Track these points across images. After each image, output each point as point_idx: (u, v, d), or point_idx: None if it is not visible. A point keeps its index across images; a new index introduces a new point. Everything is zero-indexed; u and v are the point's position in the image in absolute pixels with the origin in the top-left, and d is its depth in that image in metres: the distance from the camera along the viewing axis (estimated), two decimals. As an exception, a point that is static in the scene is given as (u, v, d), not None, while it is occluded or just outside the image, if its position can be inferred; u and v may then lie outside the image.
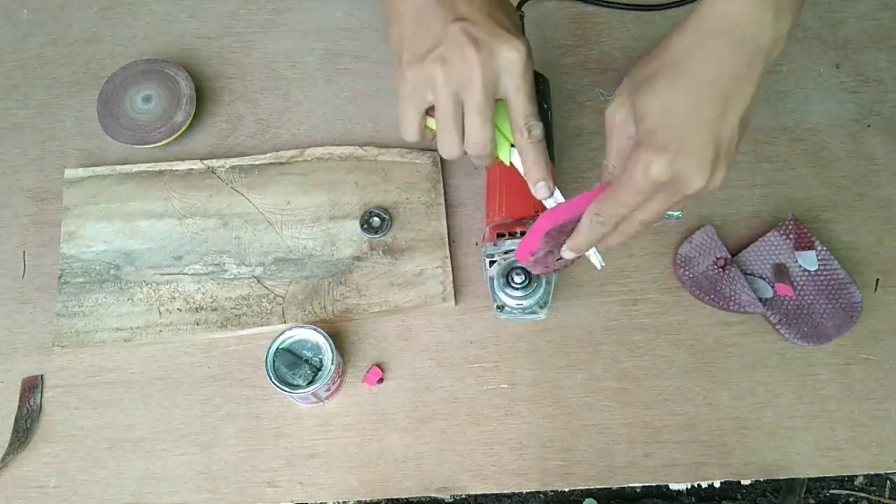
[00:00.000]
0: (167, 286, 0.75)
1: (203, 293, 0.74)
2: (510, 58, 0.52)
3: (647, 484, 0.69)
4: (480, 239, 0.76)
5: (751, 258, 0.74)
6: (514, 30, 0.53)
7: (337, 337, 0.73)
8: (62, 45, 0.86)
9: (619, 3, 0.86)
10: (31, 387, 0.72)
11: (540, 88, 0.78)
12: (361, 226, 0.76)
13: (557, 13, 0.86)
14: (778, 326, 0.71)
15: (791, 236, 0.74)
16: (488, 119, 0.53)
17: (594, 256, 0.59)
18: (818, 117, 0.81)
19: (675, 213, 0.55)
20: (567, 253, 0.57)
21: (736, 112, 0.49)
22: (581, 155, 0.79)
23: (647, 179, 0.49)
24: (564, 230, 0.56)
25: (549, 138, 0.76)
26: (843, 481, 1.37)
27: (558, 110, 0.81)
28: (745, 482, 1.32)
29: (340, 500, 0.70)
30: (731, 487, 1.35)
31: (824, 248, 0.73)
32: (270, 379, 0.66)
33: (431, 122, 0.56)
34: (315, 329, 0.68)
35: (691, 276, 0.73)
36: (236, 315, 0.73)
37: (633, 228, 0.54)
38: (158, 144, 0.80)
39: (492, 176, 0.74)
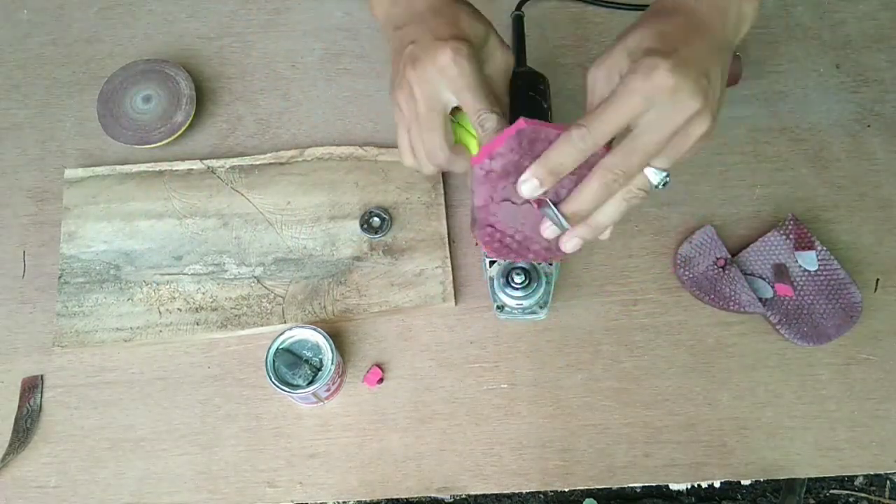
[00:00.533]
0: (167, 286, 0.75)
1: (203, 293, 0.74)
2: (441, 66, 0.54)
3: (647, 484, 0.69)
4: (480, 239, 0.76)
5: (751, 258, 0.74)
6: (451, 34, 0.55)
7: (337, 337, 0.73)
8: (62, 45, 0.86)
9: (619, 4, 0.86)
10: (31, 387, 0.72)
11: (540, 88, 0.78)
12: (361, 226, 0.76)
13: (557, 13, 0.86)
14: (778, 326, 0.71)
15: (791, 236, 0.74)
16: (432, 129, 0.56)
17: (551, 212, 0.53)
18: (818, 117, 0.81)
19: (662, 176, 0.51)
20: (526, 184, 0.51)
21: (718, 63, 0.50)
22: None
23: (649, 82, 0.47)
24: (535, 146, 0.52)
25: None
26: (843, 481, 1.37)
27: (558, 111, 0.81)
28: (745, 482, 1.32)
29: (340, 500, 0.70)
30: (731, 487, 1.35)
31: (824, 248, 0.73)
32: (270, 379, 0.66)
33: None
34: (315, 329, 0.68)
35: (691, 276, 0.73)
36: (236, 315, 0.73)
37: (632, 176, 0.50)
38: (158, 144, 0.80)
39: None
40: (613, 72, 0.51)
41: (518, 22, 0.83)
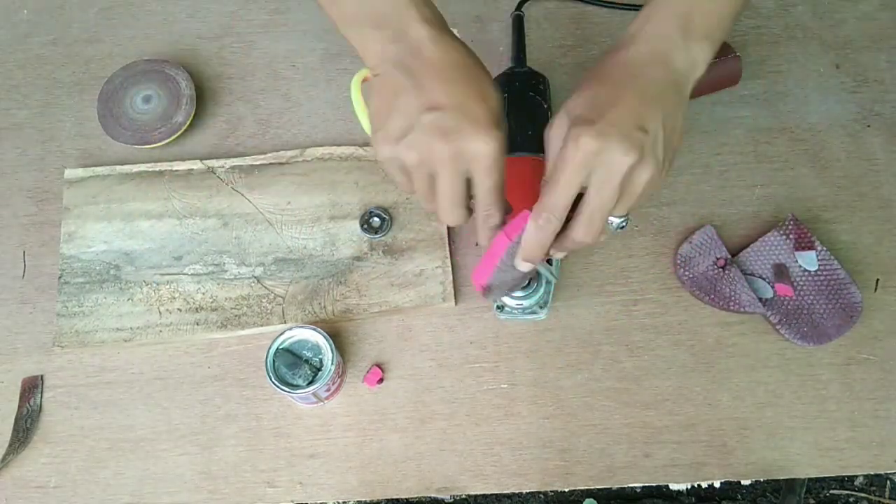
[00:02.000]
0: (167, 286, 0.75)
1: (203, 293, 0.74)
2: (477, 153, 0.52)
3: (647, 484, 0.69)
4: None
5: (751, 258, 0.74)
6: (488, 120, 0.53)
7: (337, 337, 0.73)
8: (62, 45, 0.86)
9: (619, 4, 0.86)
10: (31, 387, 0.72)
11: (540, 88, 0.78)
12: (361, 226, 0.76)
13: (557, 13, 0.86)
14: (778, 326, 0.71)
15: (791, 236, 0.74)
16: (457, 204, 0.56)
17: (543, 269, 0.61)
18: (818, 117, 0.81)
19: (619, 221, 0.57)
20: (521, 265, 0.58)
21: (659, 109, 0.53)
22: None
23: (578, 152, 0.51)
24: (511, 254, 0.58)
25: None
26: (843, 481, 1.37)
27: (558, 111, 0.81)
28: (745, 482, 1.32)
29: (340, 500, 0.70)
30: (731, 487, 1.35)
31: (824, 249, 0.73)
32: (270, 379, 0.66)
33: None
34: (315, 329, 0.68)
35: (691, 276, 0.73)
36: (236, 315, 0.73)
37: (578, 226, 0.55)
38: (158, 145, 0.80)
39: None
40: (560, 134, 0.55)
41: (518, 22, 0.83)
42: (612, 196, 0.52)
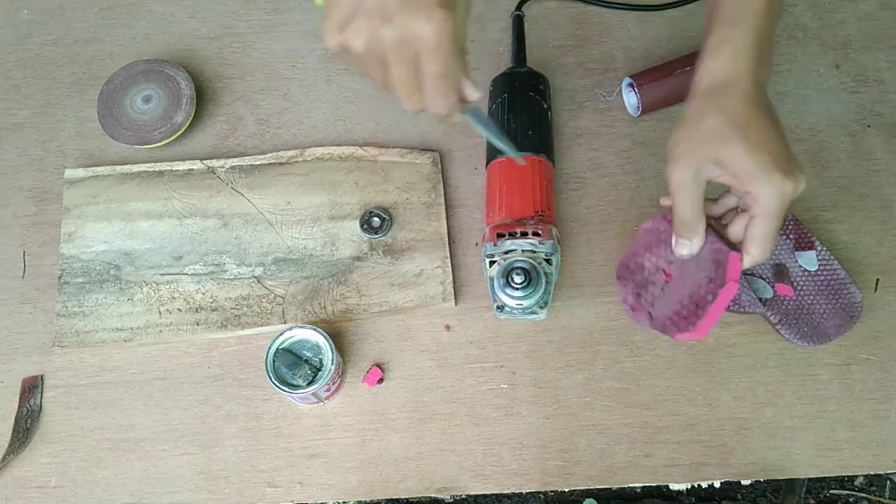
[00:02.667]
0: (167, 286, 0.75)
1: (203, 293, 0.74)
2: (420, 35, 0.48)
3: (647, 484, 0.69)
4: (480, 239, 0.76)
5: (751, 258, 0.74)
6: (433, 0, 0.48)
7: (337, 337, 0.73)
8: (62, 45, 0.86)
9: (619, 4, 0.86)
10: (31, 387, 0.72)
11: (540, 88, 0.78)
12: (361, 226, 0.76)
13: (557, 13, 0.86)
14: (778, 326, 0.71)
15: (791, 236, 0.74)
16: (414, 90, 0.52)
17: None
18: (818, 117, 0.81)
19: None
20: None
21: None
22: (581, 155, 0.79)
23: (784, 201, 0.55)
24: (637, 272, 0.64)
25: (548, 139, 0.76)
26: (843, 481, 1.37)
27: (558, 111, 0.81)
28: (745, 482, 1.32)
29: (340, 500, 0.70)
30: (731, 487, 1.34)
31: (824, 248, 0.73)
32: (270, 379, 0.66)
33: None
34: (315, 329, 0.68)
35: (691, 276, 0.73)
36: (236, 315, 0.73)
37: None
38: (158, 145, 0.80)
39: (492, 176, 0.74)
40: (701, 178, 0.57)
41: (518, 22, 0.83)
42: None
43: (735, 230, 0.59)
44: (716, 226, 0.61)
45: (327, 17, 0.52)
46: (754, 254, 0.58)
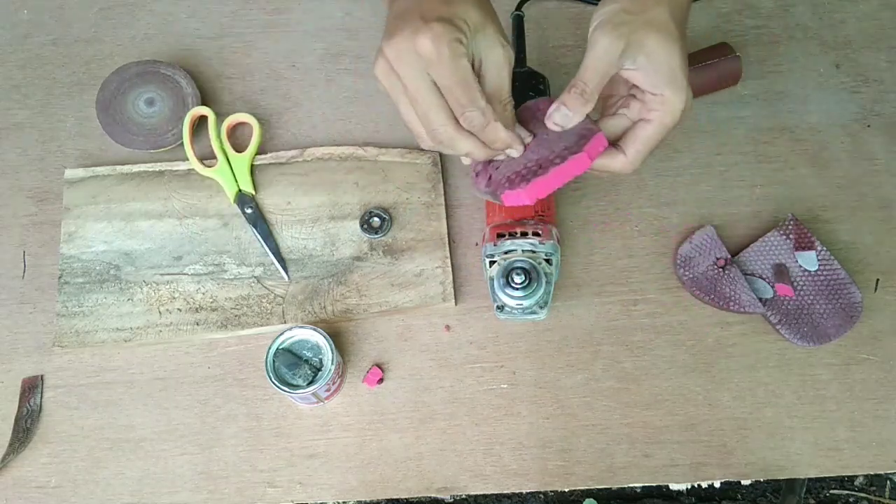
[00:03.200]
0: (167, 286, 0.75)
1: (203, 293, 0.74)
2: (419, 48, 0.51)
3: (647, 484, 0.69)
4: (480, 239, 0.76)
5: (751, 258, 0.74)
6: (438, 13, 0.52)
7: (337, 337, 0.73)
8: (62, 45, 0.86)
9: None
10: (31, 387, 0.72)
11: (540, 88, 0.78)
12: (361, 226, 0.76)
13: (557, 13, 0.86)
14: (778, 326, 0.71)
15: (791, 236, 0.74)
16: (427, 107, 0.54)
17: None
18: (818, 117, 0.81)
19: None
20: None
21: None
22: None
23: (679, 116, 0.55)
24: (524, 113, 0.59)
25: None
26: (843, 481, 1.37)
27: (558, 110, 0.81)
28: (745, 482, 1.32)
29: (340, 500, 0.70)
30: (731, 487, 1.35)
31: (824, 248, 0.73)
32: (270, 379, 0.66)
33: None
34: (315, 329, 0.68)
35: (691, 276, 0.73)
36: (236, 315, 0.73)
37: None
38: (174, 146, 0.79)
39: None
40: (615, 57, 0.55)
41: (518, 22, 0.83)
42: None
43: (614, 124, 0.57)
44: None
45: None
46: (629, 155, 0.56)
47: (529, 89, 0.77)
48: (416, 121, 0.55)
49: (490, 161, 0.57)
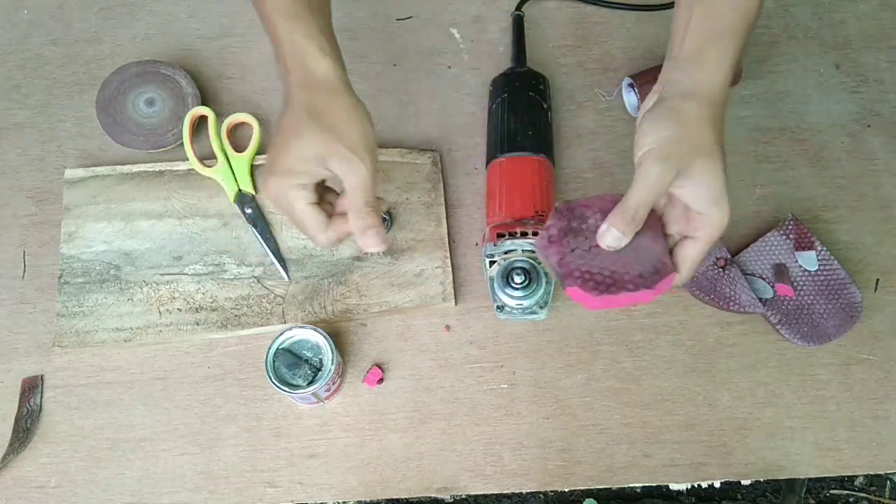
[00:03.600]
0: (167, 286, 0.75)
1: (203, 293, 0.74)
2: (273, 198, 0.61)
3: (647, 484, 0.69)
4: (480, 239, 0.76)
5: (751, 258, 0.74)
6: (274, 167, 0.59)
7: (337, 337, 0.73)
8: (62, 45, 0.86)
9: (619, 4, 0.86)
10: (31, 387, 0.72)
11: (540, 88, 0.78)
12: None
13: (557, 13, 0.86)
14: (778, 326, 0.71)
15: (791, 236, 0.74)
16: (300, 226, 0.62)
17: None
18: (818, 117, 0.81)
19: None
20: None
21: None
22: (581, 155, 0.79)
23: (722, 230, 0.57)
24: (574, 212, 0.60)
25: (548, 139, 0.76)
26: (843, 481, 1.37)
27: (558, 111, 0.81)
28: (745, 482, 1.32)
29: (340, 500, 0.70)
30: (731, 487, 1.34)
31: (824, 248, 0.73)
32: (270, 379, 0.66)
33: None
34: (315, 329, 0.68)
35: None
36: (236, 315, 0.73)
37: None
38: (175, 146, 0.79)
39: (492, 177, 0.74)
40: (666, 178, 0.56)
41: (518, 22, 0.83)
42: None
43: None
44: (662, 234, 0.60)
45: None
46: (683, 273, 0.58)
47: (529, 89, 0.77)
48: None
49: (566, 234, 0.59)
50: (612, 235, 0.56)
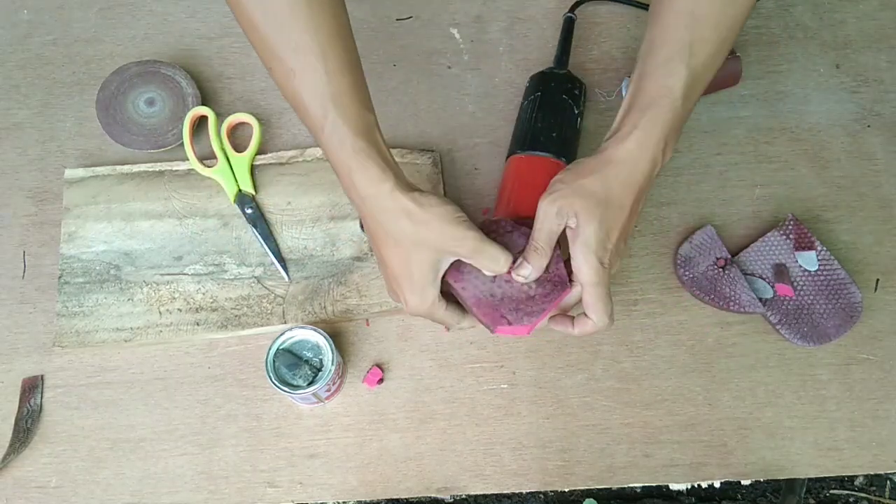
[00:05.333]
0: (167, 286, 0.75)
1: (203, 293, 0.74)
2: (423, 315, 0.63)
3: (647, 484, 0.69)
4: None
5: (751, 258, 0.74)
6: (417, 295, 0.61)
7: (337, 337, 0.73)
8: (62, 45, 0.86)
9: (619, 2, 0.86)
10: (31, 387, 0.72)
11: (575, 93, 0.77)
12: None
13: (557, 13, 0.86)
14: (778, 326, 0.71)
15: (791, 236, 0.74)
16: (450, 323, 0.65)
17: None
18: (818, 117, 0.81)
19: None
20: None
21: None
22: (581, 155, 0.79)
23: (595, 279, 0.60)
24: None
25: (573, 144, 0.76)
26: (843, 481, 1.37)
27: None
28: (745, 482, 1.32)
29: (340, 500, 0.70)
30: (731, 487, 1.34)
31: (824, 248, 0.73)
32: (271, 379, 0.66)
33: None
34: (315, 329, 0.68)
35: (691, 276, 0.73)
36: (236, 315, 0.73)
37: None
38: (175, 146, 0.79)
39: (508, 170, 0.74)
40: (562, 217, 0.61)
41: (568, 24, 0.82)
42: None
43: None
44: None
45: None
46: (594, 319, 0.62)
47: (563, 92, 0.77)
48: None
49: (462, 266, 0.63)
50: (525, 270, 0.61)
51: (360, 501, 0.71)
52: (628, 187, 0.61)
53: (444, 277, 0.62)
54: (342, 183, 0.61)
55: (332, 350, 0.67)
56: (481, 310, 0.62)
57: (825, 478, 1.36)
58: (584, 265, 0.60)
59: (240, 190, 0.77)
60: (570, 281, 0.63)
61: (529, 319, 0.63)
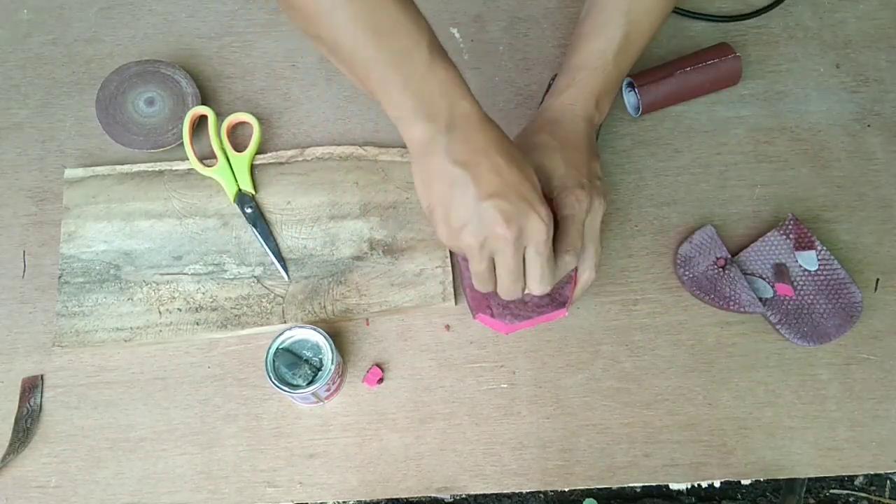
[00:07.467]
0: (167, 286, 0.75)
1: (203, 293, 0.74)
2: (534, 231, 0.58)
3: (647, 484, 0.69)
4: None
5: (751, 258, 0.74)
6: (537, 198, 0.58)
7: (337, 337, 0.73)
8: (62, 45, 0.86)
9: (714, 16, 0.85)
10: (31, 387, 0.72)
11: None
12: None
13: (557, 13, 0.86)
14: (778, 326, 0.71)
15: (791, 236, 0.74)
16: (519, 278, 0.61)
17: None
18: (818, 117, 0.81)
19: None
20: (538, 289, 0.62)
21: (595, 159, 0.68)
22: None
23: (581, 209, 0.63)
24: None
25: None
26: (843, 481, 1.37)
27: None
28: (745, 482, 1.32)
29: (340, 500, 0.70)
30: (731, 487, 1.35)
31: (824, 248, 0.73)
32: (270, 379, 0.66)
33: None
34: (315, 329, 0.68)
35: (691, 275, 0.73)
36: (236, 315, 0.73)
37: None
38: (175, 146, 0.79)
39: None
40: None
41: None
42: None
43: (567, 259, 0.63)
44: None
45: (443, 221, 0.60)
46: (581, 267, 0.65)
47: None
48: (505, 283, 0.62)
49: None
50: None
51: (360, 501, 0.71)
52: (573, 133, 0.67)
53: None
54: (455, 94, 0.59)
55: (331, 350, 0.67)
56: (473, 292, 0.63)
57: (825, 477, 1.36)
58: (559, 196, 0.63)
59: (240, 189, 0.77)
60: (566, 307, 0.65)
61: (512, 321, 0.64)
